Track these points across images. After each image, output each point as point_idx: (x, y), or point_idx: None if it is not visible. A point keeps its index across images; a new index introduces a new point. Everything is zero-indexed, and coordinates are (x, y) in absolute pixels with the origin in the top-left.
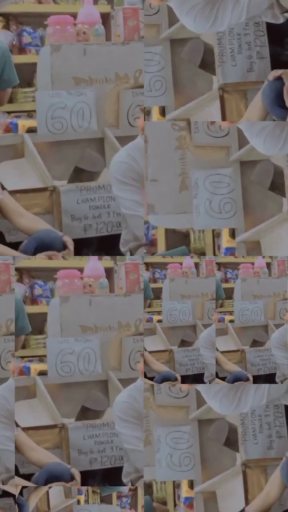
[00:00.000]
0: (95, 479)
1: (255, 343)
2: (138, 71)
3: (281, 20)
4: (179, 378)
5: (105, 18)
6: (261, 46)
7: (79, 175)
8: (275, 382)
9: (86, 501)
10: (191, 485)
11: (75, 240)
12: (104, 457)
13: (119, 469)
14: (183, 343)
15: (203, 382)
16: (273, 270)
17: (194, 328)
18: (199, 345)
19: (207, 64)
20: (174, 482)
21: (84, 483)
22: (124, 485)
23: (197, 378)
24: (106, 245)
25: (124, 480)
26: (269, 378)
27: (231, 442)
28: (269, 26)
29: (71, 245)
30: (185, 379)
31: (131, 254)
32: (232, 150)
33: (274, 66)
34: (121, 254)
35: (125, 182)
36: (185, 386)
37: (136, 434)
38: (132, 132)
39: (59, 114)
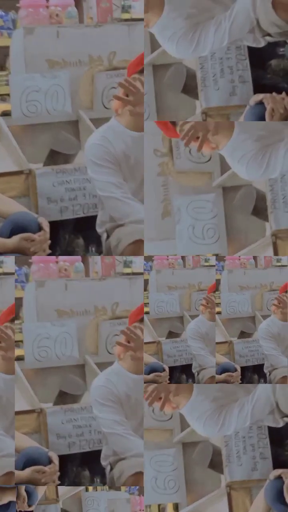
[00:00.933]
0: (74, 463)
1: (242, 334)
2: (112, 53)
3: (262, 44)
4: (166, 369)
5: (78, 0)
6: (243, 70)
7: (54, 157)
8: (263, 373)
9: (95, 488)
10: (176, 508)
11: (51, 222)
12: (83, 441)
13: (98, 453)
14: (171, 335)
15: (191, 373)
16: (259, 262)
17: (182, 319)
18: (186, 336)
19: (189, 89)
20: (159, 505)
21: (62, 467)
22: (103, 468)
23: (185, 369)
24: (82, 227)
25: (103, 463)
26: (257, 369)
27: (216, 464)
28: (251, 49)
29: (46, 227)
30: (173, 370)
31: (108, 236)
32: (214, 175)
33: (256, 90)
34: (98, 235)
35: (100, 165)
36: (168, 409)
37: (114, 418)
38: (106, 114)
39: (33, 97)
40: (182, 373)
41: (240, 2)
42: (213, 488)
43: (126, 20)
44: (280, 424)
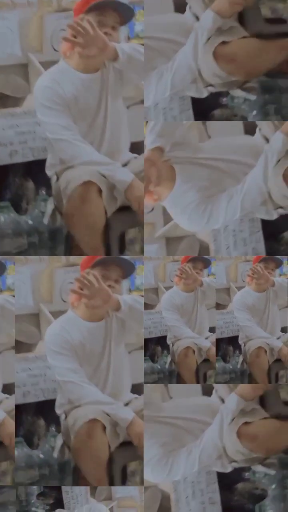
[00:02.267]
0: (29, 412)
1: (217, 306)
2: None
3: (274, 216)
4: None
5: None
6: (213, 493)
7: (3, 100)
8: (238, 345)
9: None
10: None
11: (1, 166)
12: (37, 390)
13: (53, 402)
14: (146, 306)
15: (166, 344)
16: None
17: (156, 291)
18: (161, 307)
19: (164, 509)
20: None
21: (17, 416)
22: (58, 417)
23: (160, 341)
24: (32, 170)
25: (58, 411)
26: (232, 341)
27: (164, 509)
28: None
29: None
30: (148, 342)
31: (57, 178)
32: (157, 226)
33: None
34: (48, 178)
35: (49, 107)
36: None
37: (69, 366)
38: (56, 57)
39: None
40: (157, 345)
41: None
42: None
43: None
44: (228, 469)
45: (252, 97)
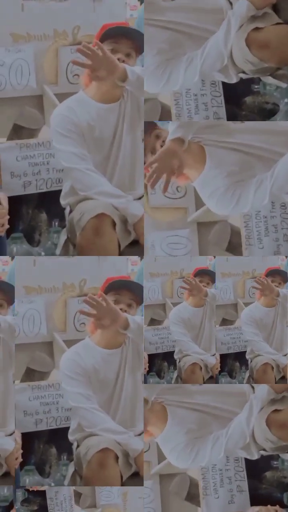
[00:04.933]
0: (41, 440)
1: (224, 322)
2: (77, 27)
3: None
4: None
5: None
6: (241, 481)
7: (18, 132)
8: (245, 360)
9: None
10: None
11: (14, 197)
12: (50, 418)
13: (65, 430)
14: (153, 322)
15: (173, 360)
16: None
17: (164, 307)
18: (169, 321)
19: (192, 496)
20: None
21: (29, 444)
22: (70, 445)
23: (167, 356)
24: (45, 202)
25: (70, 438)
26: (239, 357)
27: (193, 496)
28: None
29: (4, 201)
30: (155, 358)
31: (71, 210)
32: (189, 211)
33: (252, 499)
34: (61, 210)
35: (64, 135)
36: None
37: (81, 391)
38: (71, 89)
39: None
40: (164, 361)
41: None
42: None
43: None
44: (255, 456)
45: (284, 85)
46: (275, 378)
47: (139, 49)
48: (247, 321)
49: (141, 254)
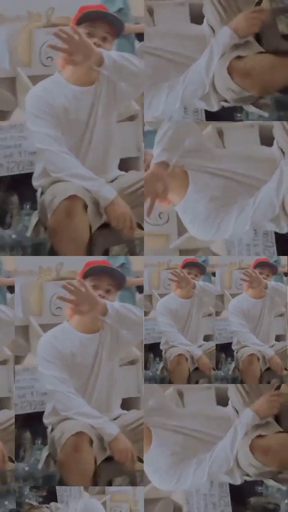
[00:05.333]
0: (16, 424)
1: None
2: (51, 9)
3: (285, 229)
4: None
5: None
6: (225, 506)
7: None
8: (231, 352)
9: None
10: None
11: None
12: (24, 402)
13: (40, 414)
14: None
15: (159, 351)
16: None
17: (150, 298)
18: (156, 312)
19: None
20: None
21: None
22: (45, 430)
23: (153, 348)
24: (17, 184)
25: (45, 421)
26: (225, 348)
27: None
28: (231, 486)
29: None
30: None
31: (43, 191)
32: (171, 238)
33: None
34: (33, 193)
35: (38, 116)
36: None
37: (58, 375)
38: (44, 72)
39: None
40: (150, 352)
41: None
42: None
43: None
44: (239, 481)
45: (265, 114)
46: (261, 370)
47: (116, 33)
48: (235, 312)
49: (117, 238)
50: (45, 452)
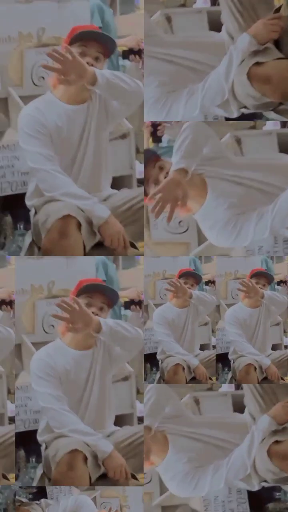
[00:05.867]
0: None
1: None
2: (41, 29)
3: None
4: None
5: None
6: None
7: None
8: (228, 362)
9: None
10: None
11: None
12: (18, 421)
13: (33, 432)
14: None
15: (156, 361)
16: None
17: (146, 308)
18: (153, 322)
19: None
20: None
21: None
22: (39, 447)
23: (150, 358)
24: (10, 205)
25: (39, 438)
26: (222, 358)
27: None
28: (250, 493)
29: None
30: None
31: (36, 210)
32: (191, 246)
33: None
34: (26, 213)
35: (31, 135)
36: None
37: (51, 392)
38: (36, 92)
39: None
40: (146, 362)
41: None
42: None
43: None
44: (256, 487)
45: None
46: (258, 379)
47: (108, 53)
48: (231, 321)
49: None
50: (39, 470)
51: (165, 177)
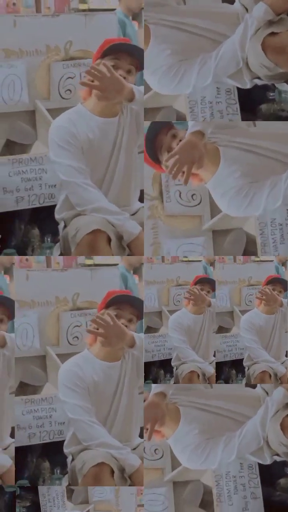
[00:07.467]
0: (34, 454)
1: (221, 329)
2: (69, 42)
3: None
4: None
5: None
6: (255, 487)
7: (10, 148)
8: (241, 368)
9: None
10: None
11: (7, 213)
12: (43, 432)
13: (58, 444)
14: (149, 330)
15: (170, 367)
16: (237, 256)
17: (160, 315)
18: (168, 328)
19: (206, 503)
20: None
21: (22, 458)
22: (64, 459)
23: (163, 364)
24: (38, 217)
25: (65, 450)
26: (236, 364)
27: (206, 503)
28: None
29: None
30: (151, 365)
31: (65, 224)
32: (204, 219)
33: (266, 505)
34: (54, 226)
35: (62, 147)
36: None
37: (80, 403)
38: (63, 104)
39: None
40: (160, 368)
41: None
42: None
43: (83, 10)
44: (268, 461)
45: None
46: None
47: (139, 66)
48: (247, 327)
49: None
50: (64, 482)
51: (177, 145)
